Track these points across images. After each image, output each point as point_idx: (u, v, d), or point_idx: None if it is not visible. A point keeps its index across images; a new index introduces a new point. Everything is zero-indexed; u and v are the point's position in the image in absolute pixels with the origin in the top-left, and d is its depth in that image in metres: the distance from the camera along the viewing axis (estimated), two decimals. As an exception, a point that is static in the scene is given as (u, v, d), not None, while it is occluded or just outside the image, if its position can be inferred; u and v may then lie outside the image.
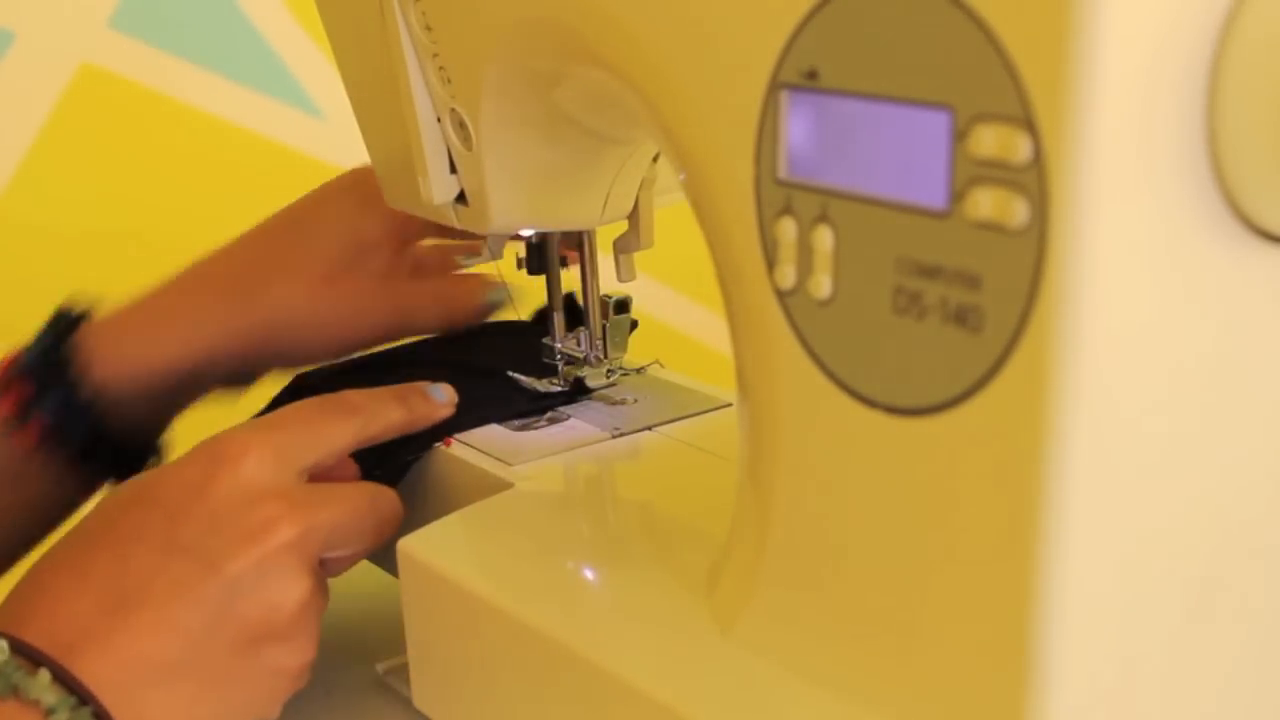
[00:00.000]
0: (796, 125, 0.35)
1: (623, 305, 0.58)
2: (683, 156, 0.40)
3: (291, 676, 0.46)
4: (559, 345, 0.59)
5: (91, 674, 0.41)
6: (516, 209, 0.53)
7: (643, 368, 0.61)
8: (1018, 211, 0.30)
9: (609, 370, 0.59)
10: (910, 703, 0.35)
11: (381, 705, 0.53)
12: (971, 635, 0.33)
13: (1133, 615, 0.33)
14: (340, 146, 1.16)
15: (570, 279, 0.59)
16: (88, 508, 0.48)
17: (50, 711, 0.40)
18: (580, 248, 0.57)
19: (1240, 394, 0.33)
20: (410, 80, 0.51)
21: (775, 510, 0.39)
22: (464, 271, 0.65)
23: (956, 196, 0.31)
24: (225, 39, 1.17)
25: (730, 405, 0.57)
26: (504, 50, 0.47)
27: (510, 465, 0.53)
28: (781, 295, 0.36)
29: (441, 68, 0.50)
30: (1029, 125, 0.29)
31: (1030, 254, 0.30)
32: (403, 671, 0.51)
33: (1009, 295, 0.30)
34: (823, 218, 0.34)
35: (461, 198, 0.54)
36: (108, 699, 0.41)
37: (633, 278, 0.57)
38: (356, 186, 0.62)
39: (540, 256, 0.58)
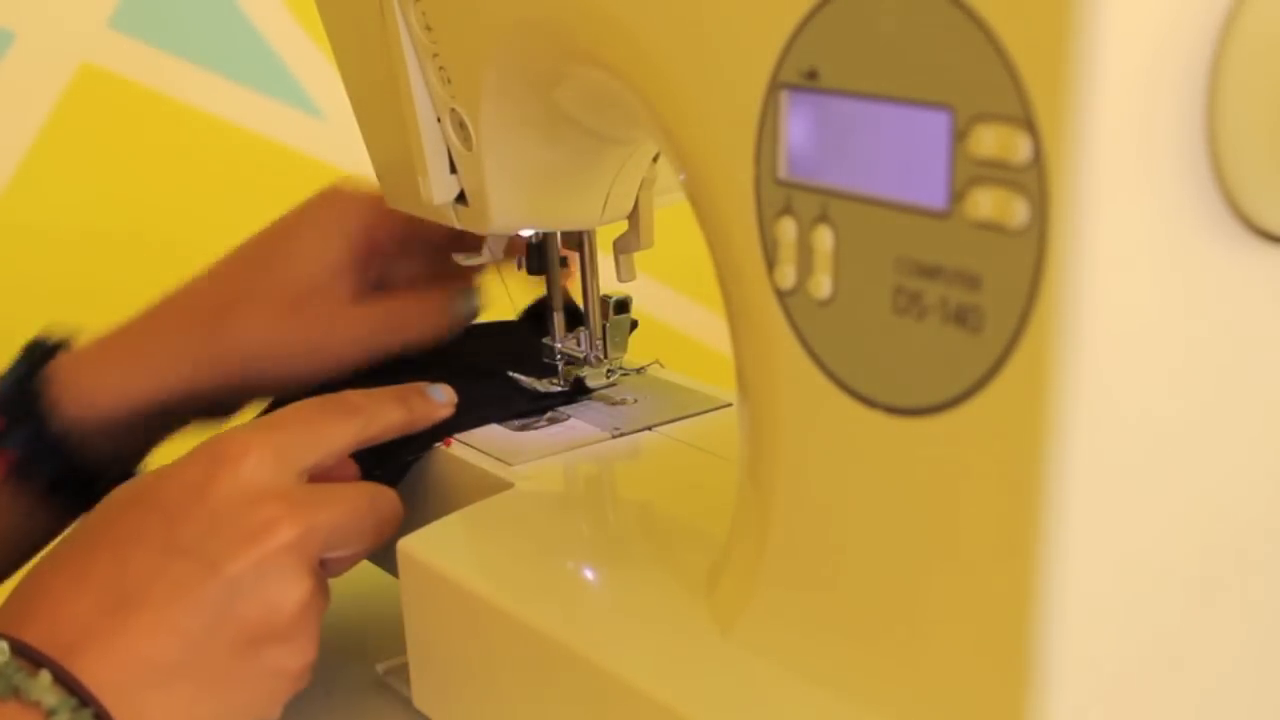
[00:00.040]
0: (796, 125, 0.35)
1: (623, 305, 0.58)
2: (683, 156, 0.40)
3: (292, 677, 0.46)
4: (559, 345, 0.59)
5: (92, 675, 0.41)
6: (516, 209, 0.53)
7: (643, 368, 0.61)
8: (1018, 211, 0.30)
9: (609, 370, 0.59)
10: (910, 703, 0.35)
11: (381, 705, 0.53)
12: (971, 635, 0.33)
13: (1133, 615, 0.33)
14: (340, 146, 1.16)
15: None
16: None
17: (51, 713, 0.40)
18: (580, 248, 0.57)
19: (1240, 394, 0.33)
20: (410, 80, 0.51)
21: (775, 510, 0.39)
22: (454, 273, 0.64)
23: (956, 196, 0.31)
24: (225, 39, 1.17)
25: (730, 405, 0.57)
26: (504, 50, 0.47)
27: (510, 465, 0.53)
28: (781, 295, 0.36)
29: (441, 68, 0.50)
30: (1029, 125, 0.29)
31: (1030, 254, 0.30)
32: (403, 671, 0.51)
33: (1009, 295, 0.30)
34: (823, 218, 0.34)
35: (461, 198, 0.54)
36: (108, 700, 0.41)
37: (633, 278, 0.57)
38: (325, 208, 0.61)
39: (540, 256, 0.58)
